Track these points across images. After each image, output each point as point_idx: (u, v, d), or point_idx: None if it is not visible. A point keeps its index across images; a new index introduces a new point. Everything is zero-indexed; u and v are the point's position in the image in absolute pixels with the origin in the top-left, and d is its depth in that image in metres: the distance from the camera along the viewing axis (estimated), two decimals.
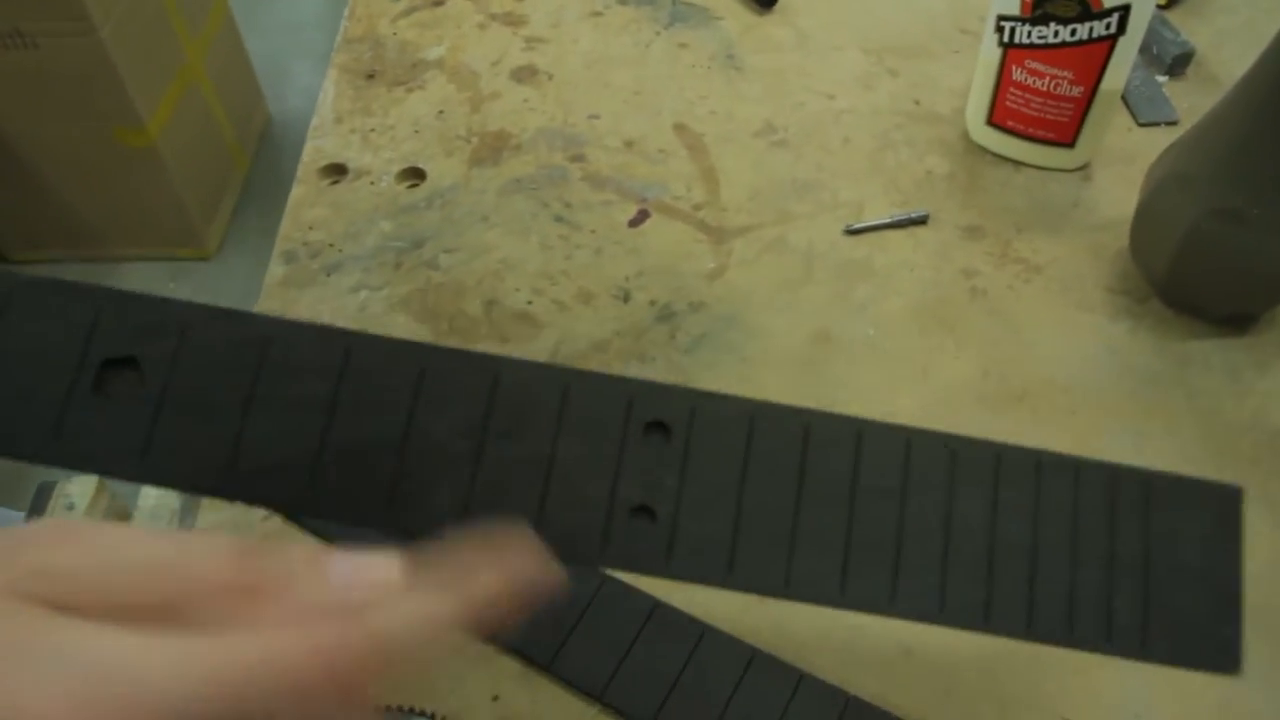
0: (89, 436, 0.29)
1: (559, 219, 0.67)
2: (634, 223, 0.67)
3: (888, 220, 0.67)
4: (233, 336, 0.30)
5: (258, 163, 2.07)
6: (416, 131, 0.73)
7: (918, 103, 0.75)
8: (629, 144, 0.72)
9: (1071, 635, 0.33)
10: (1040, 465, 0.34)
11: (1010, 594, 0.33)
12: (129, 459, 0.30)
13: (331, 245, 0.65)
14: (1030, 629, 0.33)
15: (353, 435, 0.31)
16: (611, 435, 0.32)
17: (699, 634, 0.47)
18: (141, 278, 1.84)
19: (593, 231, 0.66)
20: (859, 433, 0.33)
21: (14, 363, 0.29)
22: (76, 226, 1.83)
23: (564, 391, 0.32)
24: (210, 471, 0.30)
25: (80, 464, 0.29)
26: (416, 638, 0.25)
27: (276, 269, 0.64)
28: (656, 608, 0.47)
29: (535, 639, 0.47)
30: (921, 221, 0.67)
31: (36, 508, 1.03)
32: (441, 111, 0.74)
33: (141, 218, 1.82)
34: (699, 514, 0.32)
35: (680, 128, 0.73)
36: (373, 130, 0.73)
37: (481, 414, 0.32)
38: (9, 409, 0.29)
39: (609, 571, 0.47)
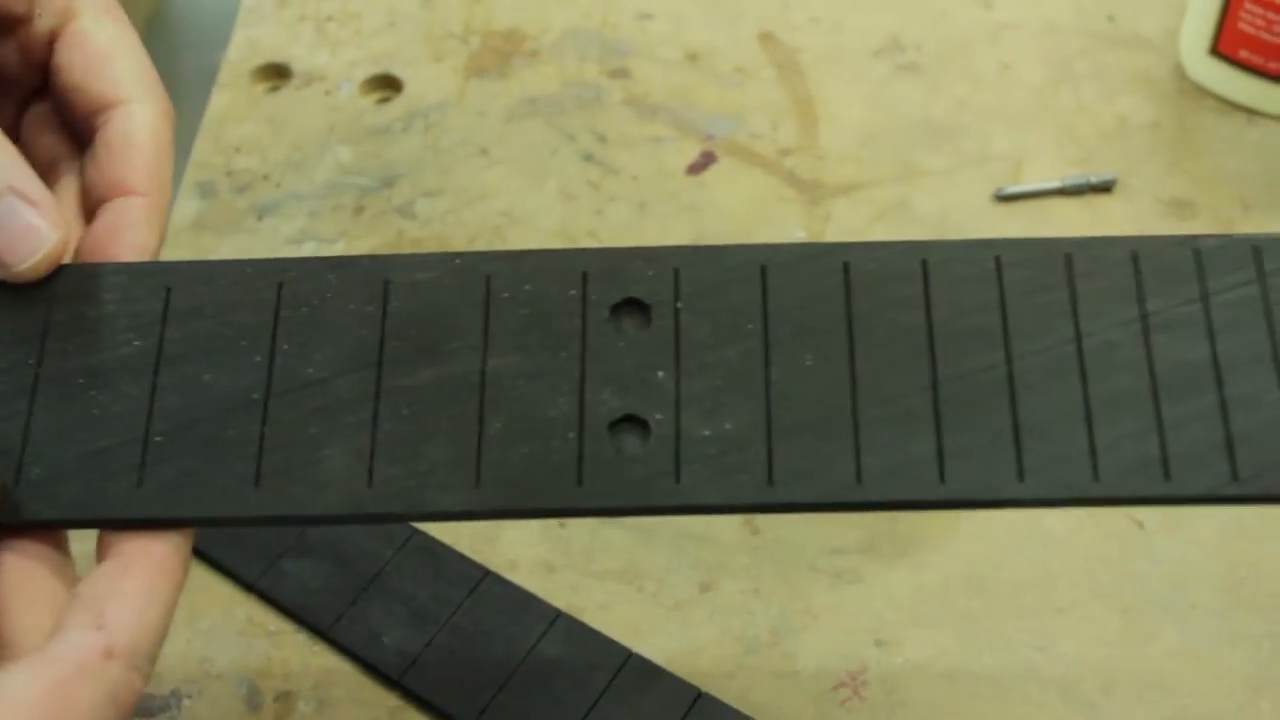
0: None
1: (589, 158, 0.65)
2: (694, 169, 0.65)
3: (1057, 185, 0.63)
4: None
5: (151, 55, 1.98)
6: (392, 24, 0.70)
7: (1112, 19, 0.71)
8: (693, 57, 0.70)
9: None
10: (1200, 255, 0.33)
11: (1197, 435, 0.31)
12: None
13: (266, 177, 0.63)
14: (1238, 479, 0.31)
15: (185, 397, 0.31)
16: (564, 329, 0.32)
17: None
18: None
19: (635, 178, 0.64)
20: (924, 259, 0.32)
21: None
22: None
23: (485, 285, 0.32)
24: None
25: None
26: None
27: (187, 206, 0.62)
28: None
29: (314, 602, 0.48)
30: (1106, 189, 0.63)
31: None
32: None
33: None
34: (711, 411, 0.31)
35: (768, 39, 0.71)
36: (330, 19, 0.71)
37: (374, 337, 0.31)
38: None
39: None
